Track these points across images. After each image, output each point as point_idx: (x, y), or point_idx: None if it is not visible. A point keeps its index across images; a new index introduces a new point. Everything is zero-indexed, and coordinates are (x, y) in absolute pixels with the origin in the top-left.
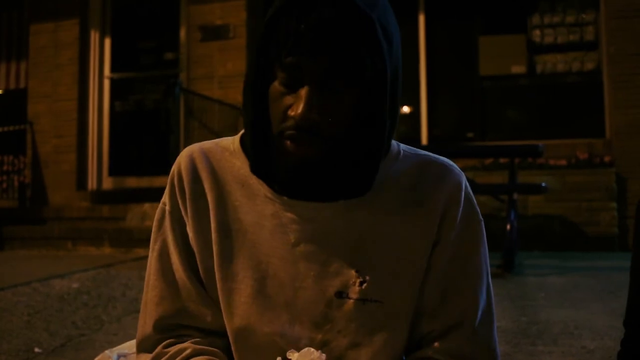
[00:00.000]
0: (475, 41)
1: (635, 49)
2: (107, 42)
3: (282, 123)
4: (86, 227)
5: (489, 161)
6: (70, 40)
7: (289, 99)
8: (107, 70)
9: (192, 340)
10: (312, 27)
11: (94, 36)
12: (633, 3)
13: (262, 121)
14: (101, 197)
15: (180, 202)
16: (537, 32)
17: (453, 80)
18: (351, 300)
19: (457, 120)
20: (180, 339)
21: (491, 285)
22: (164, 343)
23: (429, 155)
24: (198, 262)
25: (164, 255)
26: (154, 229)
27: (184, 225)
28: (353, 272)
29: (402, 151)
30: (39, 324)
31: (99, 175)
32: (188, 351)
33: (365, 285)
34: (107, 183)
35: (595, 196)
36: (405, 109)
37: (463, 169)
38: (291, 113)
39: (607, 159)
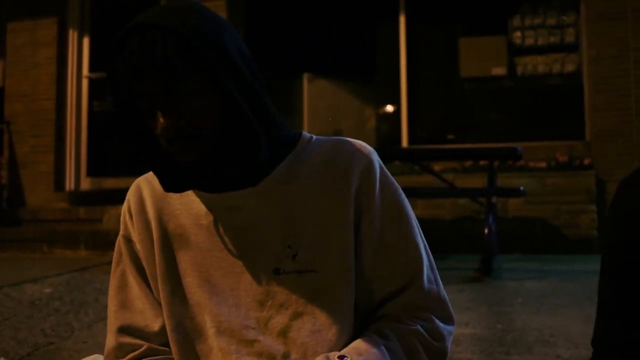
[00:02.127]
0: (456, 43)
1: (615, 51)
2: (86, 41)
3: (160, 136)
4: (62, 230)
5: (468, 163)
6: (49, 39)
7: (156, 120)
8: (85, 70)
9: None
10: (130, 65)
11: (73, 35)
12: (613, 6)
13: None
14: (79, 198)
15: (129, 223)
16: (518, 33)
17: (434, 82)
18: (288, 274)
19: (437, 122)
20: (136, 348)
21: (426, 244)
22: None
23: (340, 138)
24: (145, 268)
25: (123, 280)
26: (114, 260)
27: (132, 243)
28: (286, 248)
29: (314, 138)
30: (7, 331)
31: (77, 176)
32: None
33: (297, 257)
34: (86, 184)
35: (575, 199)
36: (387, 109)
37: (443, 172)
38: (160, 131)
39: (586, 161)
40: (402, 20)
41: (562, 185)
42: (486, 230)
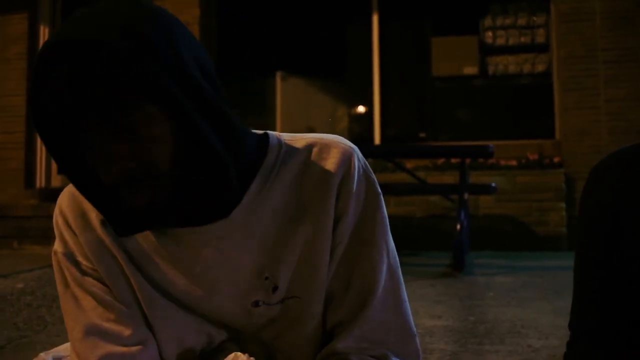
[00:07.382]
0: (428, 42)
1: (584, 51)
2: None
3: (105, 178)
4: (32, 226)
5: (441, 161)
6: (19, 35)
7: (100, 159)
8: None
9: None
10: (60, 101)
11: (44, 31)
12: (582, 7)
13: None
14: (50, 195)
15: (71, 241)
16: (489, 33)
17: (406, 81)
18: (269, 306)
19: (409, 120)
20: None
21: (393, 261)
22: None
23: (314, 140)
24: (112, 289)
25: (77, 305)
26: (58, 280)
27: (79, 262)
28: (263, 280)
29: (283, 144)
30: None
31: (47, 173)
32: None
33: (278, 290)
34: (56, 181)
35: (545, 196)
36: (360, 107)
37: (415, 169)
38: (104, 176)
39: (556, 159)
40: (374, 19)
41: (532, 183)
42: (458, 226)
